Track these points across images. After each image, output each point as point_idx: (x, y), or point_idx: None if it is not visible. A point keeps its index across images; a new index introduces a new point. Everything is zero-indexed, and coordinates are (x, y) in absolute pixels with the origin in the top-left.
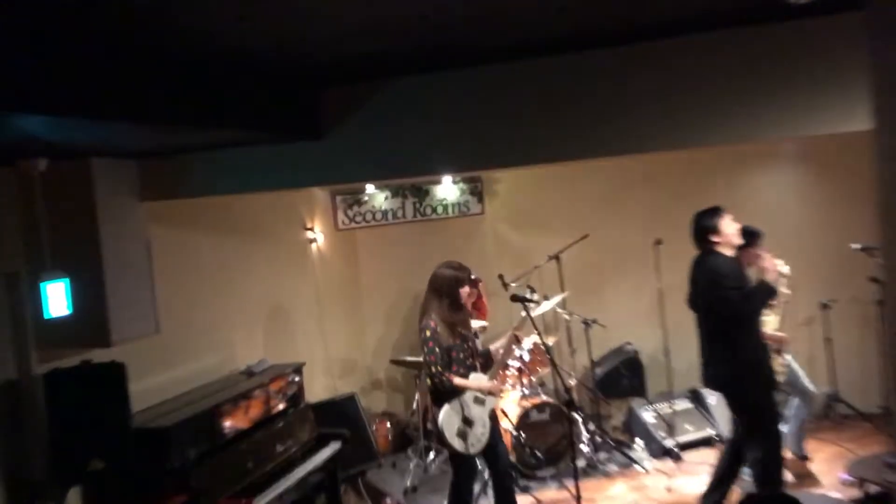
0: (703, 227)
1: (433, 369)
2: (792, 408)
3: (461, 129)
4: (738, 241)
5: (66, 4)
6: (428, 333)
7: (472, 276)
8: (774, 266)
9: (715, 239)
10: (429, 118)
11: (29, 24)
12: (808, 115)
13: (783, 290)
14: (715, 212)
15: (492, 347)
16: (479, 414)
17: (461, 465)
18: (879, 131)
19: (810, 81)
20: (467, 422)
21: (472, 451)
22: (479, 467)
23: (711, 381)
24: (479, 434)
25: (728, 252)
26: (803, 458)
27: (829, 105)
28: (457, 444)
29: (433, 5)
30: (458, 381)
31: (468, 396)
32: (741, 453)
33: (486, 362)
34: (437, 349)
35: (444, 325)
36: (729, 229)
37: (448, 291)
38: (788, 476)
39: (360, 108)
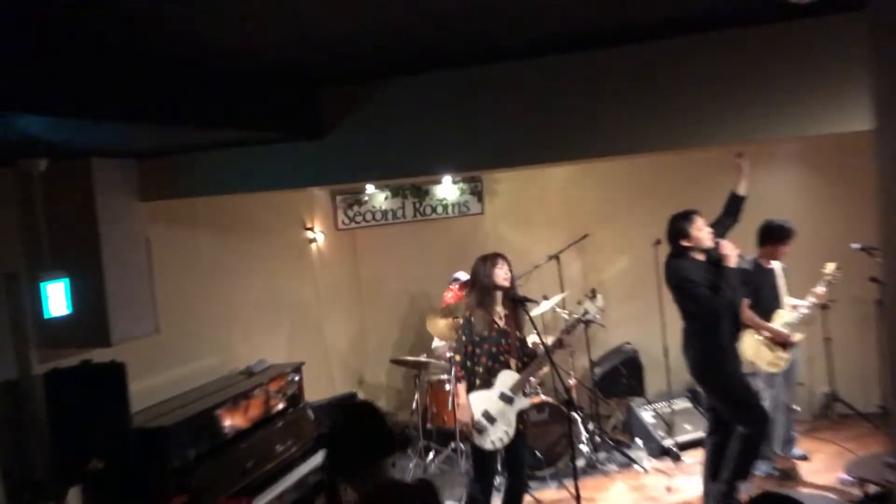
0: (676, 229)
1: (457, 357)
2: (780, 409)
3: (461, 129)
4: (709, 244)
5: (66, 5)
6: (461, 321)
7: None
8: (733, 251)
9: (685, 243)
10: (429, 118)
11: (29, 25)
12: (808, 115)
13: (820, 289)
14: (687, 216)
15: (539, 347)
16: (505, 412)
17: (479, 461)
18: (879, 131)
19: (810, 81)
20: (488, 417)
21: (488, 447)
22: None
23: (690, 370)
24: (501, 433)
25: (697, 254)
26: (800, 458)
27: (829, 105)
28: (477, 438)
29: (433, 5)
30: (462, 392)
31: (495, 392)
32: (724, 443)
33: (531, 361)
34: (463, 338)
35: (477, 316)
36: (699, 233)
37: (481, 277)
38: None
39: (360, 108)
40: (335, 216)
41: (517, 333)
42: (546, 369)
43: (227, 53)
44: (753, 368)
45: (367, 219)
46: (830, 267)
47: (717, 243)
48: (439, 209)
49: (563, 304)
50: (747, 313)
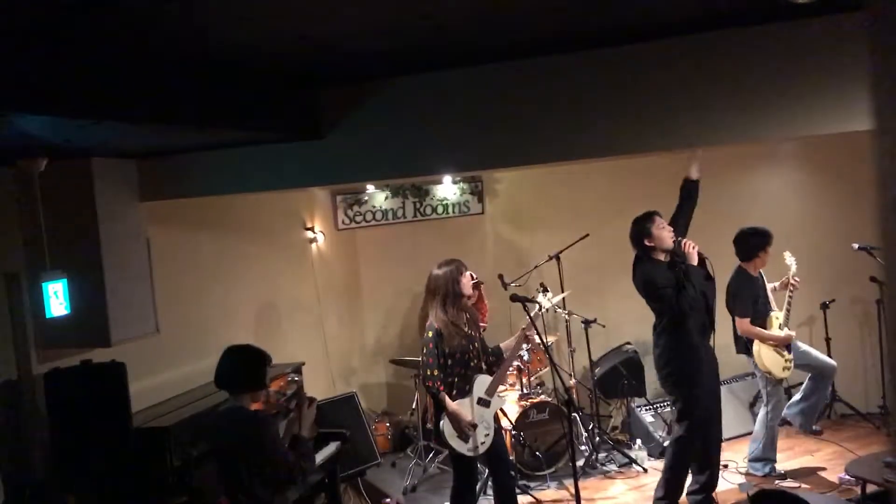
0: (638, 231)
1: (428, 372)
2: (802, 388)
3: (461, 129)
4: (670, 245)
5: (66, 5)
6: (430, 334)
7: (473, 277)
8: (694, 249)
9: (648, 243)
10: (429, 118)
11: (29, 25)
12: (808, 115)
13: (791, 282)
14: (648, 217)
15: (502, 345)
16: (484, 416)
17: (463, 468)
18: (879, 131)
19: (810, 81)
20: (471, 424)
21: (476, 453)
22: (480, 470)
23: (655, 364)
24: (483, 436)
25: (660, 256)
26: (814, 432)
27: (829, 105)
28: (459, 446)
29: (433, 5)
30: (448, 401)
31: (473, 398)
32: (706, 438)
33: (497, 360)
34: (436, 352)
35: (448, 327)
36: (661, 232)
37: (451, 286)
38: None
39: (360, 108)
40: (335, 216)
41: (477, 333)
42: (546, 369)
43: (228, 54)
44: (772, 378)
45: (368, 219)
46: (787, 256)
47: (678, 243)
48: (439, 209)
49: (563, 304)
50: (749, 328)
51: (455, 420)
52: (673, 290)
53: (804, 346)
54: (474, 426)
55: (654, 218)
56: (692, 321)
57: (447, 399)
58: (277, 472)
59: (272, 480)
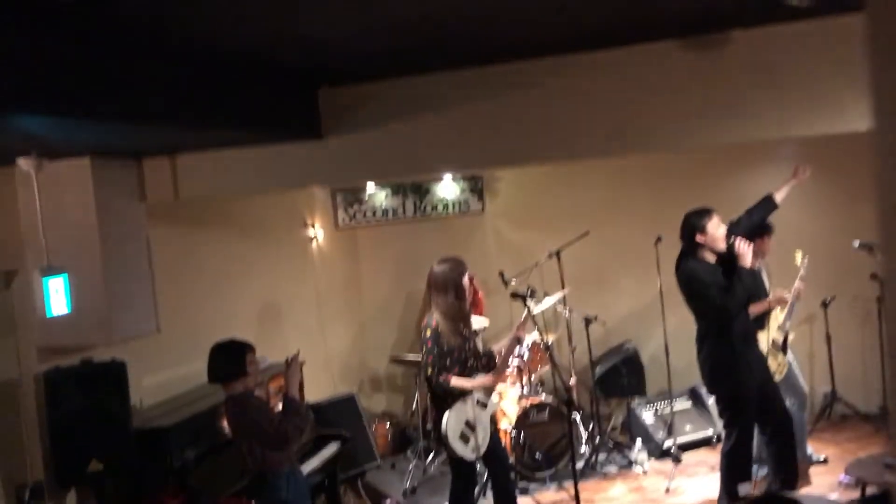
0: (692, 225)
1: (430, 370)
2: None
3: (461, 129)
4: (722, 246)
5: (65, 4)
6: (428, 333)
7: (472, 281)
8: (747, 250)
9: (700, 239)
10: (429, 118)
11: (29, 25)
12: (808, 115)
13: (798, 283)
14: (706, 212)
15: (495, 348)
16: (482, 417)
17: (462, 470)
18: (879, 131)
19: (810, 81)
20: (470, 426)
21: (476, 455)
22: (479, 471)
23: (701, 372)
24: (482, 438)
25: (709, 256)
26: (818, 461)
27: (829, 105)
28: (461, 449)
29: (433, 5)
30: (455, 381)
31: (471, 401)
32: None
33: (489, 363)
34: (436, 349)
35: (447, 325)
36: (716, 231)
37: (451, 285)
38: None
39: (361, 108)
40: (335, 214)
41: (471, 334)
42: (546, 367)
43: (228, 53)
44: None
45: (368, 217)
46: (799, 256)
47: (731, 243)
48: (440, 207)
49: (563, 302)
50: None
51: (481, 385)
52: (719, 291)
53: (796, 365)
54: (462, 439)
55: (713, 215)
56: (737, 326)
57: (461, 379)
58: (273, 437)
59: (276, 445)
